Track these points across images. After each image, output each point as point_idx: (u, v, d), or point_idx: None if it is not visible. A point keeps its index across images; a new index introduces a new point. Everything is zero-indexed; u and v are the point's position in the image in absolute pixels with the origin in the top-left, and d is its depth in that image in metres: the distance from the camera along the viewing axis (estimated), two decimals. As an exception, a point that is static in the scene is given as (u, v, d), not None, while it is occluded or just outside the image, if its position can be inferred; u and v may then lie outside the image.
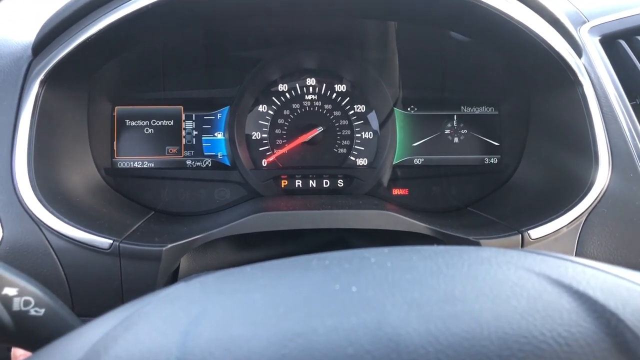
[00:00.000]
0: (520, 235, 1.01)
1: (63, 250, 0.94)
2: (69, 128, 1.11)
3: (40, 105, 0.99)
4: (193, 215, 1.26)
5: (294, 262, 0.50)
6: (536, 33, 1.02)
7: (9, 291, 0.56)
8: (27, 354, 0.82)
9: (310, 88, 1.33)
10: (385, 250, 0.51)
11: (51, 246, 0.94)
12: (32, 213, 0.93)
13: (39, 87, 0.99)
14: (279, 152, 1.32)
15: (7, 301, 0.55)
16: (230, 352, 0.35)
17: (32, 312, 0.57)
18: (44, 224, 0.93)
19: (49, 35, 1.00)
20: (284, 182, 1.32)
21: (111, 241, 0.94)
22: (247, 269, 0.51)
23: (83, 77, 1.12)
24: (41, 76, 0.98)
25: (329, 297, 0.41)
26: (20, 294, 0.56)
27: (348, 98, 1.34)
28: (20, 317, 0.56)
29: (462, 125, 1.35)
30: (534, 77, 1.22)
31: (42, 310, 0.57)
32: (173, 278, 1.06)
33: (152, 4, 0.94)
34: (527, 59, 1.18)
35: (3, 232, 0.93)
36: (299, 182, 1.32)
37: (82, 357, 0.39)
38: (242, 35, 1.29)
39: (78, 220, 0.95)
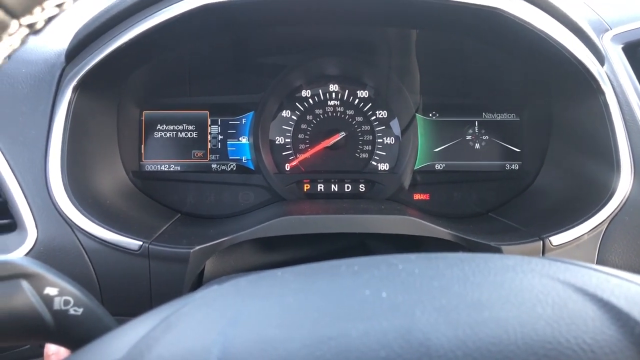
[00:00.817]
0: (541, 242, 1.02)
1: (94, 251, 0.97)
2: (99, 132, 1.14)
3: (73, 110, 1.02)
4: (218, 217, 1.28)
5: (323, 267, 0.52)
6: (559, 42, 1.03)
7: (50, 291, 0.58)
8: (60, 351, 0.85)
9: (333, 94, 1.35)
10: (412, 257, 0.53)
11: (83, 247, 0.97)
12: (66, 215, 0.97)
13: (72, 93, 1.02)
14: (301, 157, 1.34)
15: (48, 300, 0.58)
16: (267, 353, 0.37)
17: (71, 311, 0.59)
18: (77, 225, 0.96)
19: (81, 43, 1.03)
20: (307, 186, 1.34)
21: (141, 243, 0.97)
22: (278, 273, 0.52)
23: (113, 83, 1.15)
24: (74, 82, 1.02)
25: (360, 302, 0.42)
26: (60, 294, 0.59)
27: (370, 104, 1.35)
28: (60, 316, 0.59)
29: (483, 131, 1.36)
30: (555, 85, 1.23)
31: (81, 310, 0.60)
32: (198, 279, 1.09)
33: (182, 14, 0.97)
34: (549, 67, 1.19)
35: (38, 233, 0.96)
36: (321, 186, 1.34)
37: (125, 356, 0.42)
38: (267, 42, 1.32)
39: (109, 222, 0.98)
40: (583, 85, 1.10)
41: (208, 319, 0.44)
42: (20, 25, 0.37)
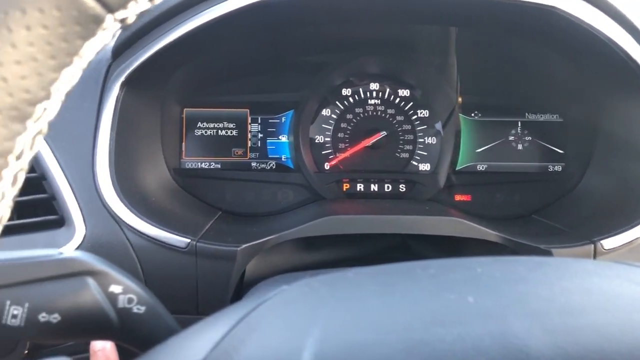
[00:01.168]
0: (592, 245, 1.00)
1: (141, 248, 0.97)
2: (144, 129, 1.15)
3: (120, 107, 1.02)
4: (257, 215, 1.28)
5: (399, 269, 0.51)
6: (614, 41, 1.00)
7: (115, 289, 0.58)
8: (107, 347, 0.85)
9: (374, 92, 1.34)
10: (487, 260, 0.52)
11: (130, 244, 0.97)
12: (113, 212, 0.97)
13: (120, 89, 1.02)
14: (341, 156, 1.33)
15: (113, 298, 0.58)
16: (359, 358, 0.36)
17: (135, 310, 0.59)
18: (124, 222, 0.97)
19: (129, 40, 1.03)
20: (346, 186, 1.33)
21: (188, 240, 0.97)
22: (350, 274, 0.51)
23: (158, 80, 1.15)
24: (122, 78, 1.02)
25: (447, 307, 0.41)
26: (124, 292, 0.59)
27: (411, 103, 1.34)
28: (124, 314, 0.58)
29: (526, 132, 1.34)
30: (605, 85, 1.20)
31: (144, 308, 0.60)
32: (240, 279, 1.08)
33: (231, 12, 0.97)
34: (599, 67, 1.16)
35: (86, 229, 0.96)
36: (360, 186, 1.33)
37: (209, 356, 0.41)
38: (308, 40, 1.31)
39: (155, 219, 0.98)
40: (634, 85, 1.08)
41: (292, 320, 0.43)
42: (115, 19, 0.36)
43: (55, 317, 0.55)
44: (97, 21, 0.35)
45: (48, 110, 0.36)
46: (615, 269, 0.49)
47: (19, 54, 0.33)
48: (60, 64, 0.34)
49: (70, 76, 0.36)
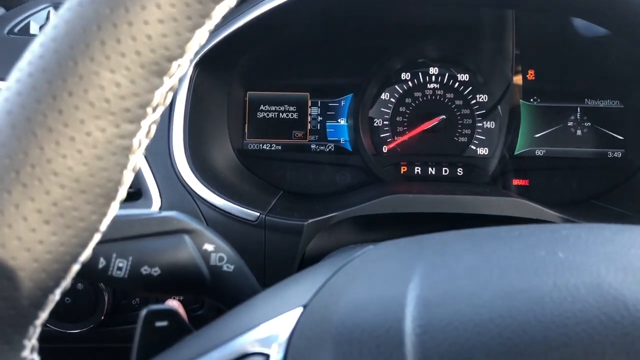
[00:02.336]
0: (659, 229, 0.99)
1: (213, 220, 1.02)
2: (212, 110, 1.19)
3: (194, 87, 1.07)
4: (317, 196, 1.31)
5: (482, 232, 0.53)
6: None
7: (208, 247, 0.62)
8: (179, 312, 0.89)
9: (433, 77, 1.35)
10: (569, 225, 0.53)
11: (203, 216, 1.02)
12: (188, 185, 1.02)
13: (194, 69, 1.07)
14: (400, 139, 1.35)
15: (206, 256, 0.62)
16: (462, 303, 0.39)
17: (225, 268, 0.63)
18: (198, 195, 1.01)
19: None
20: (404, 169, 1.35)
21: (258, 214, 1.01)
22: (435, 236, 0.54)
23: (227, 63, 1.19)
24: (196, 59, 1.06)
25: (539, 260, 0.43)
26: (216, 250, 0.63)
27: (470, 87, 1.35)
28: (216, 271, 0.62)
29: (585, 117, 1.34)
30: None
31: (232, 267, 0.64)
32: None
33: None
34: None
35: (162, 202, 1.01)
36: (418, 168, 1.35)
37: (313, 299, 0.44)
38: (368, 25, 1.33)
39: (226, 193, 1.03)
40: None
41: (391, 270, 0.46)
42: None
43: (155, 271, 0.59)
44: None
45: (181, 67, 0.39)
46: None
47: (162, 14, 0.36)
48: (194, 24, 0.38)
49: (201, 36, 0.39)
